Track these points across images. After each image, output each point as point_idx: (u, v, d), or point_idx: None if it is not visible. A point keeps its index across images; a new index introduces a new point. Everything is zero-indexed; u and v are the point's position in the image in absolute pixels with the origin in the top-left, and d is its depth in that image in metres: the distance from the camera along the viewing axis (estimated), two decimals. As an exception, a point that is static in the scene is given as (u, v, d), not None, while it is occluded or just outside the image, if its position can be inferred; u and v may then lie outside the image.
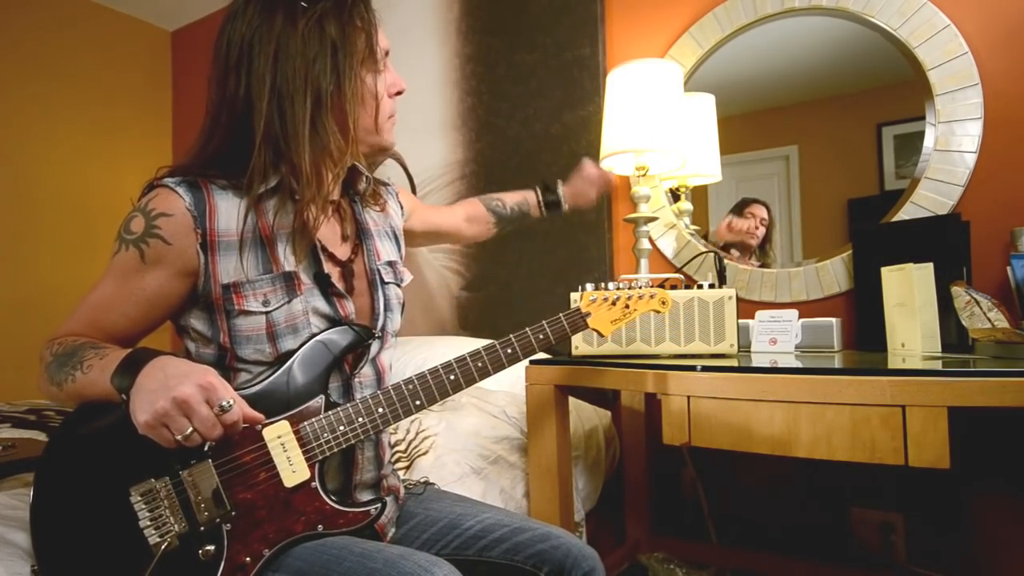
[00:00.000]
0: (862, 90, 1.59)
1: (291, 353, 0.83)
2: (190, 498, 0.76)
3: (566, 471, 1.32)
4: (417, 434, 1.37)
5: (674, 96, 1.54)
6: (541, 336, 0.93)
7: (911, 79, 1.50)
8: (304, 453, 0.80)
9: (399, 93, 0.95)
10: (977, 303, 1.12)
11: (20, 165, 2.68)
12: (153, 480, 0.76)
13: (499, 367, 0.91)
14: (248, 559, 0.77)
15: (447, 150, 2.29)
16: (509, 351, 0.91)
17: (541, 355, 1.47)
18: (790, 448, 0.97)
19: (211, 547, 0.76)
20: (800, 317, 1.40)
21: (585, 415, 1.67)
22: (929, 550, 1.48)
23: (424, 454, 1.31)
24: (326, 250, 0.89)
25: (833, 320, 1.40)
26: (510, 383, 1.75)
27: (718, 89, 1.76)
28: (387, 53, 0.93)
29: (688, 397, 1.06)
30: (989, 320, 1.10)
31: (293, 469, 0.80)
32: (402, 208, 1.10)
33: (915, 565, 1.49)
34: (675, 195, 1.85)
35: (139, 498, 0.76)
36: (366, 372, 0.91)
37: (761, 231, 1.73)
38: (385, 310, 0.94)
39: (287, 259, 0.85)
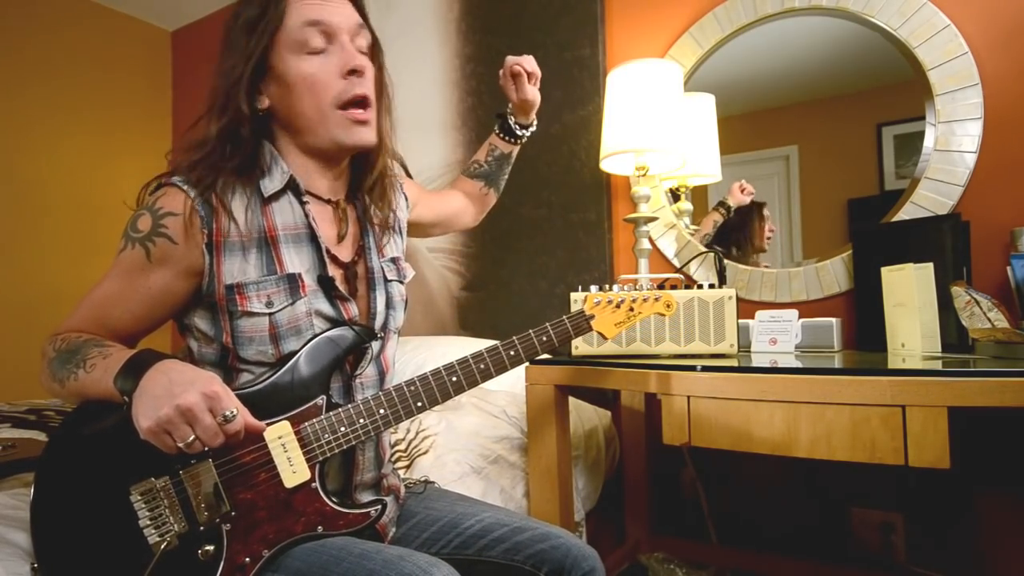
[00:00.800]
0: (862, 90, 1.59)
1: (293, 354, 0.83)
2: (190, 498, 0.77)
3: (566, 471, 1.32)
4: (417, 433, 1.37)
5: (674, 96, 1.55)
6: (544, 338, 0.93)
7: (911, 79, 1.50)
8: (305, 454, 0.80)
9: (353, 72, 0.85)
10: (977, 303, 1.12)
11: (20, 165, 2.68)
12: (153, 479, 0.76)
13: (502, 369, 0.91)
14: (247, 559, 0.77)
15: (447, 150, 2.29)
16: (512, 353, 0.91)
17: (541, 355, 1.47)
18: (790, 448, 0.97)
19: (210, 547, 0.76)
20: (800, 317, 1.39)
21: (585, 415, 1.67)
22: (929, 550, 1.48)
23: (424, 453, 1.31)
24: (329, 252, 0.89)
25: (833, 320, 1.40)
26: (510, 383, 1.75)
27: (718, 89, 1.76)
28: (361, 30, 0.88)
29: (688, 397, 1.06)
30: (989, 320, 1.10)
31: (293, 470, 0.80)
32: (407, 200, 1.09)
33: (915, 565, 1.49)
34: (675, 195, 1.85)
35: (139, 497, 0.76)
36: (368, 372, 0.91)
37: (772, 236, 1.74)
38: (387, 308, 0.94)
39: (291, 261, 0.85)
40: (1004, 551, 1.40)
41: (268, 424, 0.80)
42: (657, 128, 1.51)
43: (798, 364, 1.05)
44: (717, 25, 1.76)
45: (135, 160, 3.06)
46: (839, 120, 1.62)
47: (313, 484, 0.81)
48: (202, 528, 0.77)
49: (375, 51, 0.93)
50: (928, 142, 1.48)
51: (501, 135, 1.28)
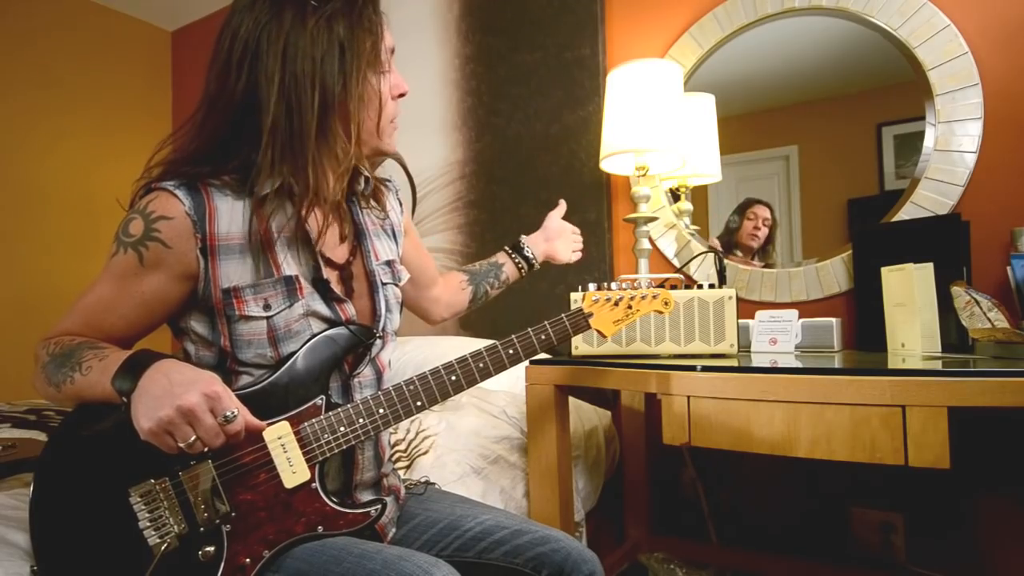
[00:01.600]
0: (862, 90, 1.59)
1: (292, 355, 0.83)
2: (189, 499, 0.76)
3: (566, 471, 1.32)
4: (417, 434, 1.37)
5: (674, 96, 1.54)
6: (543, 336, 0.93)
7: (911, 79, 1.50)
8: (304, 454, 0.80)
9: (402, 95, 0.93)
10: (977, 303, 1.11)
11: (20, 165, 2.68)
12: (152, 481, 0.76)
13: (500, 367, 0.91)
14: (248, 560, 0.77)
15: (447, 150, 2.29)
16: (511, 351, 0.91)
17: (541, 355, 1.47)
18: (790, 448, 0.97)
19: (211, 548, 0.76)
20: (800, 317, 1.39)
21: (585, 415, 1.67)
22: (929, 550, 1.48)
23: (424, 454, 1.31)
24: (323, 254, 0.88)
25: (833, 320, 1.40)
26: (510, 383, 1.75)
27: (718, 89, 1.76)
28: (392, 51, 0.92)
29: (688, 397, 1.06)
30: (989, 320, 1.09)
31: (293, 470, 0.80)
32: (401, 206, 1.09)
33: (915, 565, 1.49)
34: (675, 195, 1.85)
35: (138, 499, 0.76)
36: (366, 372, 0.91)
37: (763, 232, 1.73)
38: (385, 311, 0.94)
39: (287, 263, 0.85)
40: (1004, 551, 1.40)
41: (268, 424, 0.80)
42: (657, 128, 1.51)
43: (798, 364, 1.05)
44: (717, 25, 1.76)
45: (135, 160, 3.03)
46: (839, 120, 1.62)
47: (313, 484, 0.81)
48: (202, 529, 0.76)
49: None
50: (928, 142, 1.48)
51: (513, 254, 1.28)
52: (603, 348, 1.29)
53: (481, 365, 0.89)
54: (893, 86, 1.55)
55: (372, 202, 0.99)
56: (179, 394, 0.70)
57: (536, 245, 1.29)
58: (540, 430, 1.31)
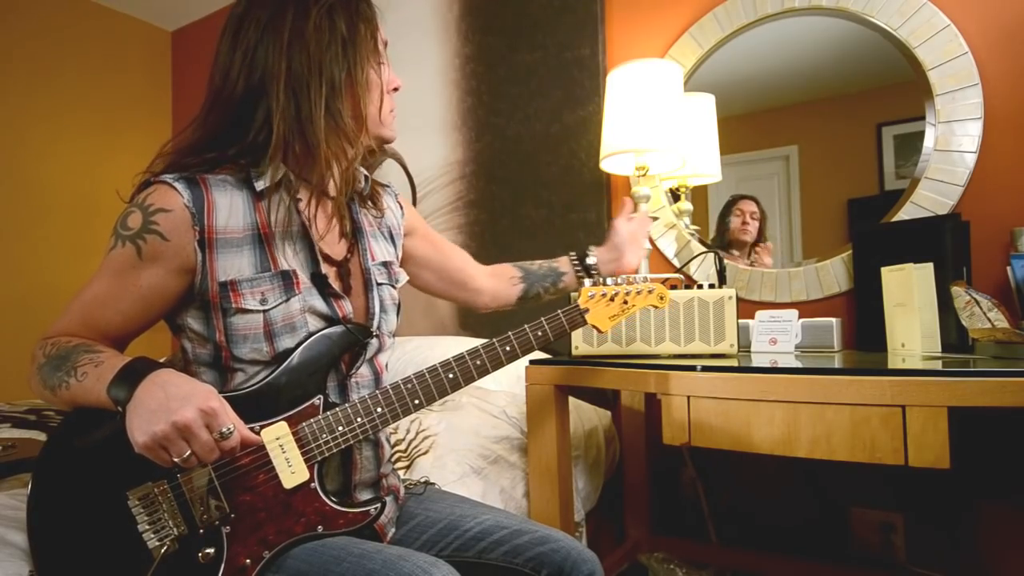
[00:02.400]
0: (862, 90, 1.59)
1: (288, 352, 0.83)
2: (188, 501, 0.76)
3: (566, 471, 1.32)
4: (417, 434, 1.37)
5: (674, 96, 1.54)
6: (540, 333, 0.93)
7: (911, 79, 1.50)
8: (303, 454, 0.80)
9: (396, 90, 0.96)
10: (977, 303, 1.11)
11: (20, 164, 2.68)
12: (151, 483, 0.76)
13: (498, 365, 0.91)
14: (248, 561, 0.77)
15: (447, 150, 2.29)
16: (508, 349, 0.91)
17: (541, 355, 1.46)
18: (790, 448, 0.97)
19: (210, 550, 0.76)
20: (800, 317, 1.39)
21: (585, 415, 1.67)
22: (929, 550, 1.48)
23: (424, 454, 1.31)
24: (322, 250, 0.89)
25: (833, 320, 1.39)
26: (510, 383, 1.75)
27: (718, 89, 1.76)
28: (386, 45, 0.95)
29: (688, 397, 1.06)
30: (989, 320, 1.09)
31: (292, 470, 0.80)
32: (402, 209, 1.10)
33: (915, 565, 1.49)
34: (675, 195, 1.85)
35: (137, 502, 0.75)
36: (363, 372, 0.91)
37: (753, 225, 1.73)
38: (380, 311, 0.93)
39: (285, 257, 0.85)
40: (1004, 551, 1.40)
41: (265, 425, 0.80)
42: (657, 128, 1.51)
43: (798, 364, 1.05)
44: (717, 25, 1.75)
45: (135, 160, 3.06)
46: (839, 120, 1.62)
47: (312, 484, 0.81)
48: (201, 531, 0.76)
49: None
50: (928, 142, 1.48)
51: (576, 264, 1.24)
52: (603, 348, 1.28)
53: (479, 363, 0.89)
54: (893, 86, 1.54)
55: (369, 203, 1.00)
56: (175, 409, 0.69)
57: (605, 262, 1.24)
58: (540, 430, 1.31)
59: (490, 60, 2.20)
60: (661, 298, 1.01)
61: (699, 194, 1.83)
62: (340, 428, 0.82)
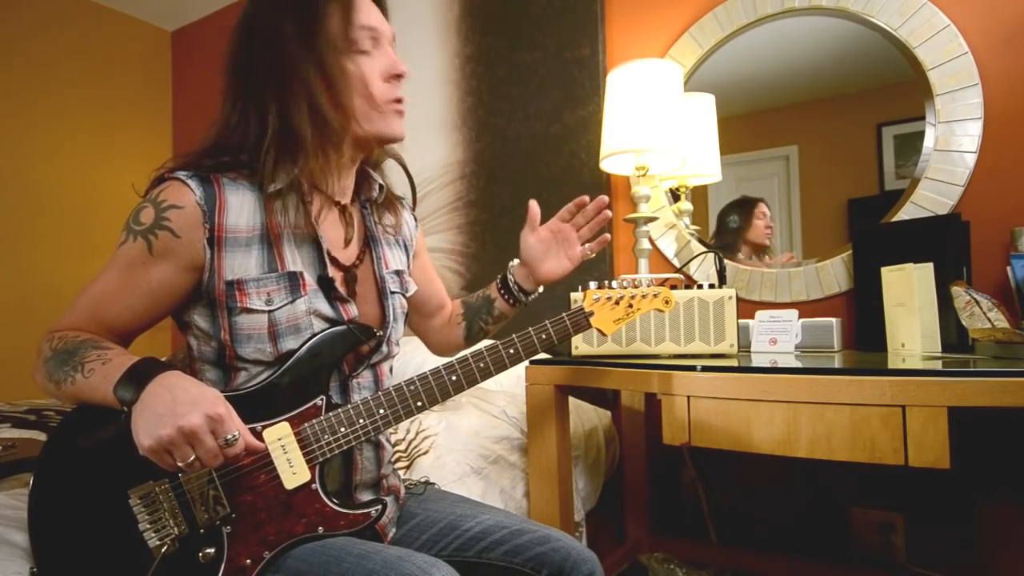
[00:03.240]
0: (862, 90, 1.59)
1: (291, 353, 0.83)
2: (189, 501, 0.76)
3: (566, 471, 1.32)
4: (417, 434, 1.37)
5: (674, 96, 1.54)
6: (544, 336, 0.93)
7: (911, 79, 1.50)
8: (305, 455, 0.80)
9: (398, 76, 0.90)
10: (977, 303, 1.11)
11: (20, 164, 2.68)
12: (152, 482, 0.76)
13: (501, 367, 0.91)
14: (248, 561, 0.77)
15: (447, 150, 2.29)
16: (511, 351, 0.91)
17: (541, 355, 1.46)
18: (790, 448, 0.97)
19: (211, 550, 0.76)
20: (800, 317, 1.39)
21: (585, 415, 1.67)
22: (929, 550, 1.48)
23: (424, 454, 1.31)
24: (330, 253, 0.89)
25: (833, 320, 1.40)
26: (510, 383, 1.75)
27: (718, 89, 1.76)
28: (393, 39, 0.92)
29: (688, 397, 1.06)
30: (989, 320, 1.09)
31: (293, 471, 0.80)
32: (416, 223, 1.10)
33: (915, 565, 1.49)
34: (675, 195, 1.85)
35: (138, 501, 0.75)
36: (365, 375, 0.91)
37: (772, 229, 1.73)
38: (392, 319, 0.94)
39: (293, 259, 0.85)
40: (1004, 551, 1.40)
41: (268, 426, 0.80)
42: (657, 128, 1.51)
43: (798, 364, 1.05)
44: (717, 25, 1.76)
45: (134, 160, 3.06)
46: (839, 120, 1.62)
47: (313, 485, 0.81)
48: (202, 531, 0.76)
49: None
50: (928, 142, 1.48)
51: (501, 289, 1.10)
52: (603, 348, 1.29)
53: (482, 365, 0.89)
54: (893, 86, 1.55)
55: (386, 212, 1.00)
56: (182, 414, 0.69)
57: (522, 279, 1.08)
58: (540, 430, 1.31)
59: (490, 60, 2.20)
60: (667, 302, 1.00)
61: (699, 194, 1.83)
62: (342, 429, 0.82)
